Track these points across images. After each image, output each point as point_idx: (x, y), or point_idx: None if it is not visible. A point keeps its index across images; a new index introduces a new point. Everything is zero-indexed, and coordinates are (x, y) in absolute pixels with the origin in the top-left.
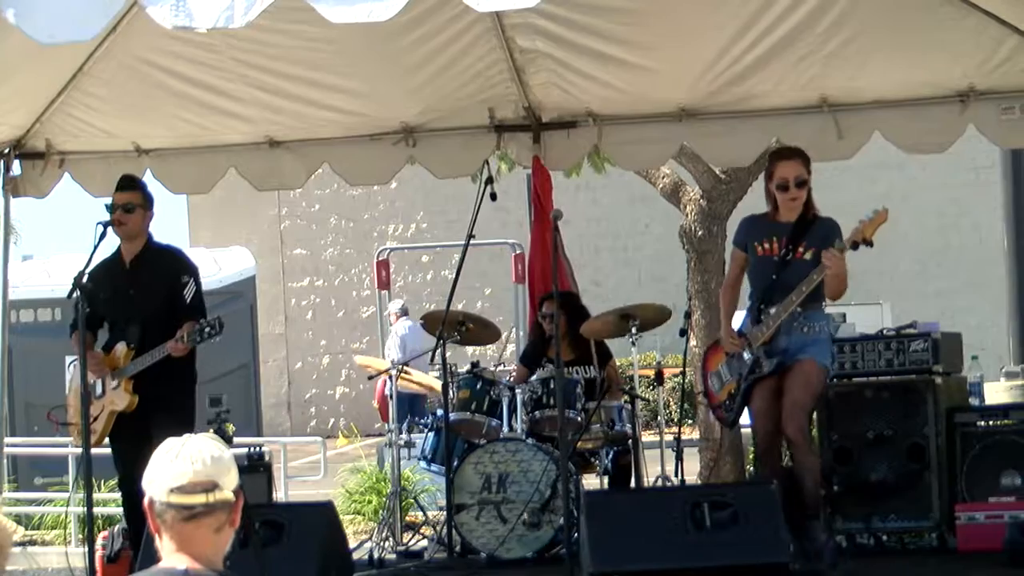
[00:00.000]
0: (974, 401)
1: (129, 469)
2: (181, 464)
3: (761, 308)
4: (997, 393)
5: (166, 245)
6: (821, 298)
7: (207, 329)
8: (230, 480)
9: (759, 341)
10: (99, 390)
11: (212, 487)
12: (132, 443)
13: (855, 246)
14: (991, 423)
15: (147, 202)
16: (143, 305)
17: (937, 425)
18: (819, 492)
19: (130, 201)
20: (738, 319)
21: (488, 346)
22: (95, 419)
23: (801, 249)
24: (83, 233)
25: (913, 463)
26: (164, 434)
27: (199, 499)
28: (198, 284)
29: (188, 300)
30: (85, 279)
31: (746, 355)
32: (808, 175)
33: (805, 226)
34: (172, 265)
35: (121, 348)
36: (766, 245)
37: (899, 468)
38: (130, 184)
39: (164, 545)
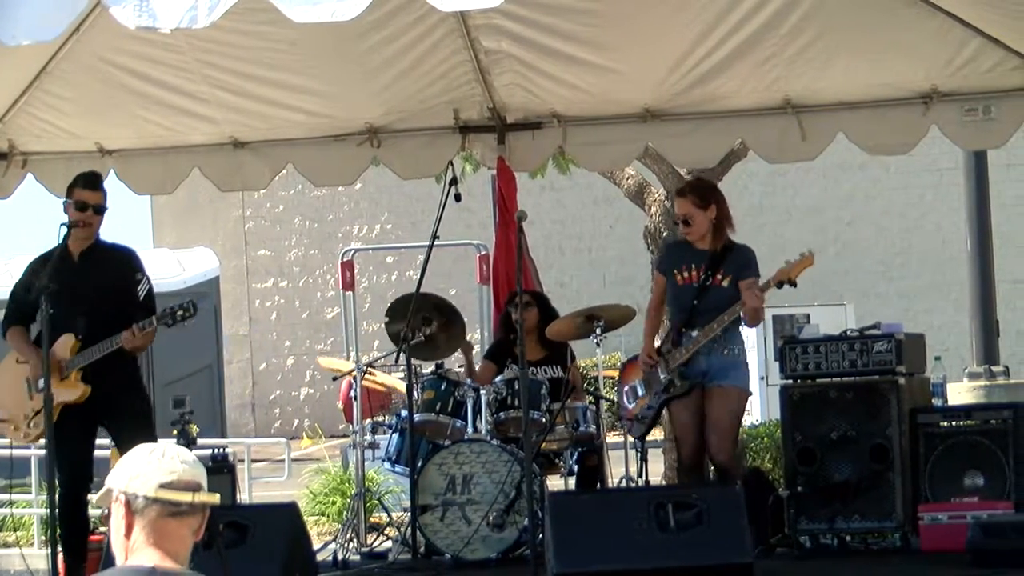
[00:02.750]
0: (937, 402)
1: (72, 466)
2: (170, 462)
3: (682, 331)
4: (960, 394)
5: (116, 243)
6: (739, 321)
7: (180, 311)
8: (207, 487)
9: (677, 362)
10: (40, 384)
11: (198, 487)
12: (77, 437)
13: (779, 285)
14: (954, 424)
15: (105, 200)
16: (93, 299)
17: (900, 426)
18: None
19: (100, 203)
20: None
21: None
22: (37, 413)
23: (719, 276)
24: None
25: (876, 464)
26: (126, 431)
27: (186, 497)
28: (150, 284)
29: (141, 298)
30: (45, 279)
31: (661, 375)
32: (701, 210)
33: (723, 254)
34: (126, 263)
35: (67, 340)
36: (685, 273)
37: (862, 469)
38: (99, 183)
39: (135, 540)
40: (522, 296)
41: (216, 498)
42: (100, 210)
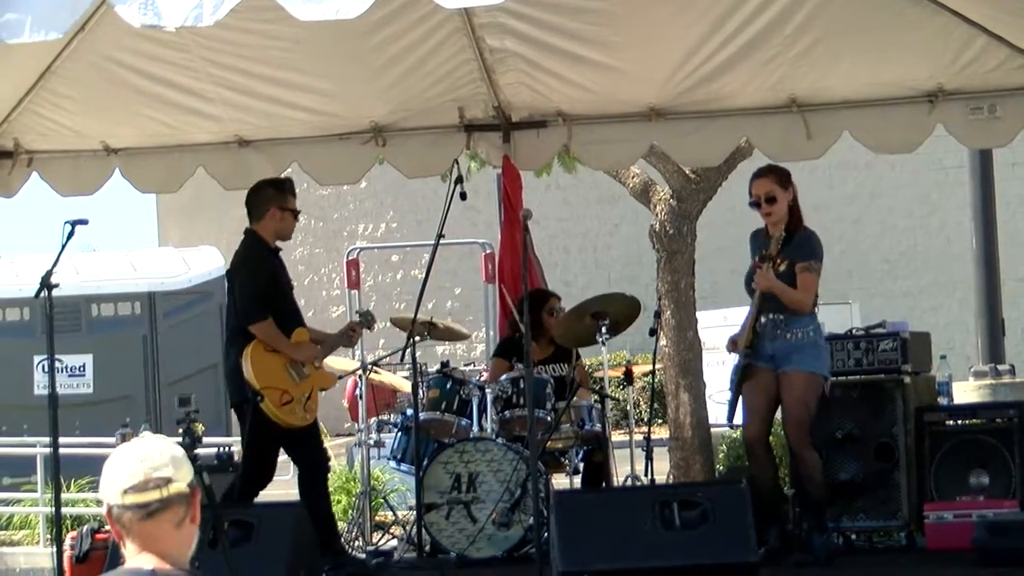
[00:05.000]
0: (943, 400)
1: (317, 449)
2: (131, 465)
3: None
4: (965, 392)
5: None
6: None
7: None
8: (183, 474)
9: (741, 344)
10: (303, 370)
11: (165, 482)
12: (316, 425)
13: (762, 261)
14: (960, 422)
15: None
16: (294, 296)
17: (906, 425)
18: (823, 489)
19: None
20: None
21: (458, 345)
22: (309, 397)
23: (780, 259)
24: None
25: (882, 462)
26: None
27: (153, 495)
28: None
29: None
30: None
31: (736, 357)
32: (782, 190)
33: (790, 238)
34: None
35: (304, 332)
36: (756, 258)
37: (868, 467)
38: (294, 190)
39: (128, 550)
40: (527, 298)
41: (183, 487)
42: (297, 215)
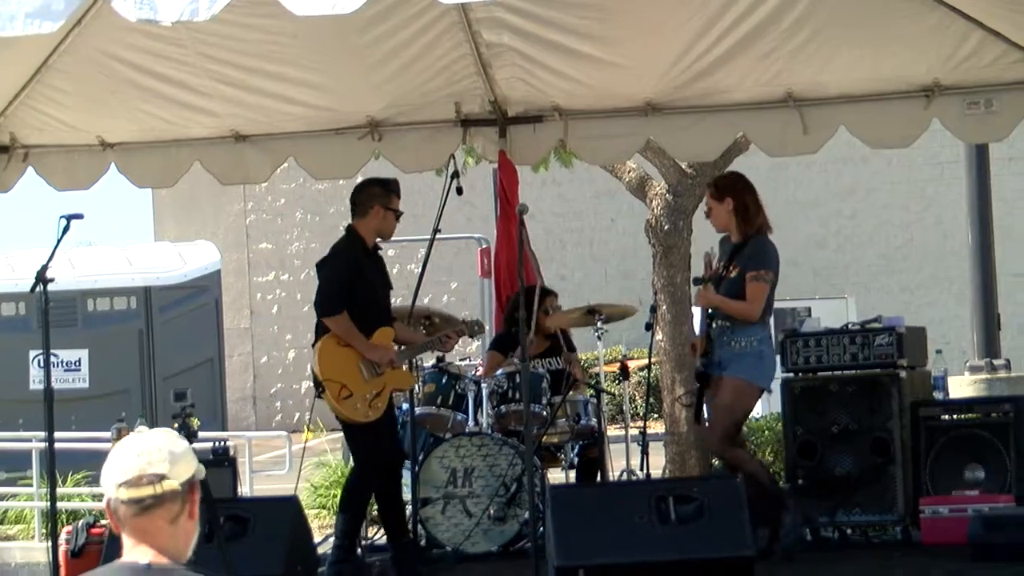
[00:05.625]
0: (938, 395)
1: (386, 447)
2: (129, 459)
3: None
4: (961, 387)
5: None
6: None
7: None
8: (179, 471)
9: (699, 350)
10: (378, 368)
11: (159, 479)
12: (393, 418)
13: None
14: (955, 417)
15: None
16: (387, 296)
17: (901, 419)
18: (773, 484)
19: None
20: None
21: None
22: (378, 395)
23: (732, 267)
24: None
25: (877, 457)
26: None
27: (147, 491)
28: None
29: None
30: (48, 273)
31: (696, 363)
32: (717, 202)
33: (742, 246)
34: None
35: (390, 332)
36: (719, 264)
37: (863, 462)
38: (399, 192)
39: (126, 542)
40: (523, 293)
41: (177, 484)
42: (399, 216)
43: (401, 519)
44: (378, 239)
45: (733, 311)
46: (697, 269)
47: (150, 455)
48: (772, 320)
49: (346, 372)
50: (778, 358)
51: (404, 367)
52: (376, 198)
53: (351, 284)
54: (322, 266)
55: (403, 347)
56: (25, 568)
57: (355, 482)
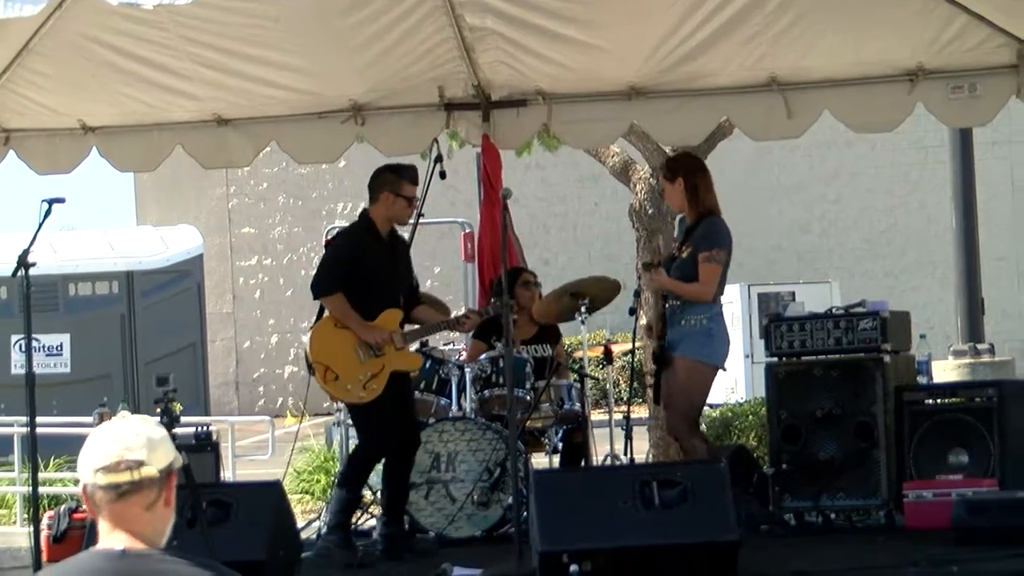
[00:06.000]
0: (922, 379)
1: (390, 428)
2: (107, 445)
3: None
4: (945, 371)
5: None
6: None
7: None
8: (158, 458)
9: (655, 332)
10: (376, 350)
11: (137, 465)
12: (399, 402)
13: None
14: (939, 401)
15: None
16: (403, 277)
17: (885, 403)
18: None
19: (415, 196)
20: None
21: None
22: (375, 376)
23: (684, 247)
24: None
25: (861, 441)
26: (409, 407)
27: (124, 477)
28: None
29: (414, 281)
30: (29, 257)
31: (653, 345)
32: (668, 183)
33: (694, 226)
34: (407, 247)
35: (396, 314)
36: (673, 244)
37: (847, 446)
38: (416, 179)
39: (102, 527)
40: (506, 278)
41: (154, 471)
42: (413, 202)
43: (400, 505)
44: (394, 224)
45: (686, 294)
46: None
47: (128, 441)
48: (755, 305)
49: (339, 354)
50: (762, 342)
51: (411, 348)
52: (387, 184)
53: (351, 266)
54: (326, 248)
55: (411, 329)
56: (7, 553)
57: (353, 460)
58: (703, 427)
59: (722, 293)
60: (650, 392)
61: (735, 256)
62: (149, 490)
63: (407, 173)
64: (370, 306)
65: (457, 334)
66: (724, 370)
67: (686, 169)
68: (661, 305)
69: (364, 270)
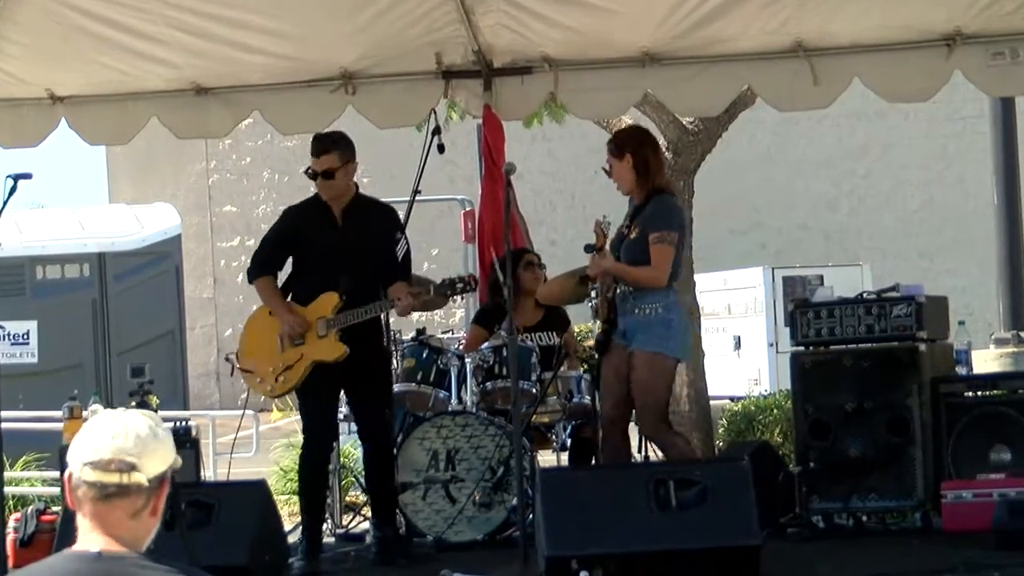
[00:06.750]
0: (961, 370)
1: (318, 426)
2: (101, 439)
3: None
4: (986, 361)
5: (377, 200)
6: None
7: (460, 284)
8: (152, 465)
9: (600, 317)
10: (301, 340)
11: (128, 468)
12: (324, 394)
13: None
14: (979, 394)
15: (344, 157)
16: (355, 258)
17: (921, 396)
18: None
19: (328, 168)
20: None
21: (435, 311)
22: (290, 367)
23: (632, 228)
24: None
25: (895, 437)
26: (369, 399)
27: (113, 478)
28: (408, 246)
29: (400, 259)
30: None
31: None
32: (616, 159)
33: (643, 205)
34: (386, 221)
35: (330, 298)
36: (622, 224)
37: (880, 443)
38: (322, 149)
39: (80, 524)
40: (509, 259)
41: (145, 480)
42: (328, 175)
43: (386, 504)
44: (330, 202)
45: (638, 278)
46: (701, 233)
47: (125, 440)
48: (780, 289)
49: (262, 343)
50: (787, 330)
51: (334, 335)
52: None
53: (284, 247)
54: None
55: (340, 314)
56: None
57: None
58: (723, 422)
59: (677, 278)
60: None
61: (756, 236)
62: (136, 497)
63: (312, 145)
64: (310, 289)
65: (457, 320)
66: (686, 361)
67: (635, 144)
68: (611, 288)
69: (301, 250)
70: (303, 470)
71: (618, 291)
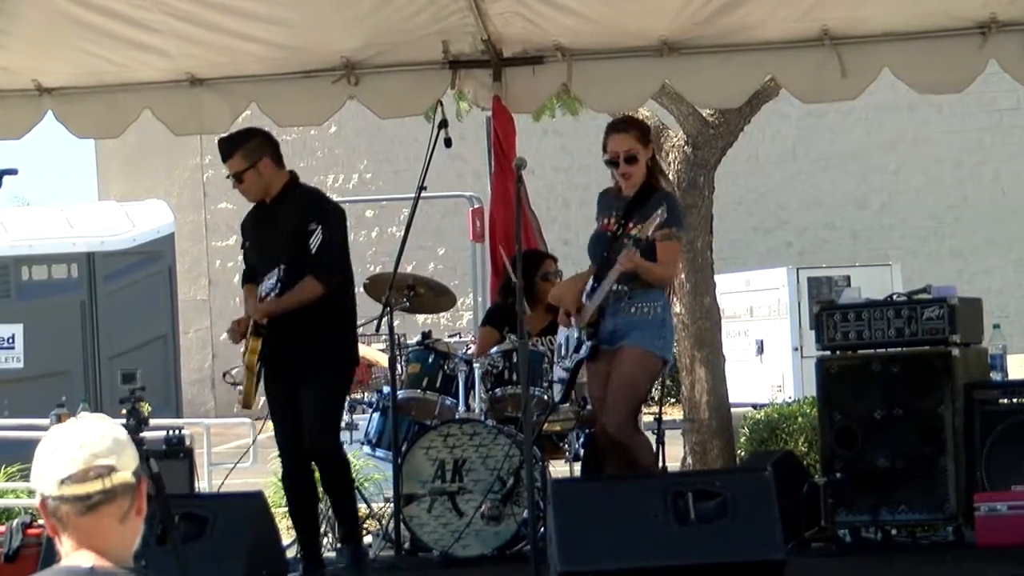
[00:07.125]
0: (996, 376)
1: (279, 437)
2: (69, 451)
3: (594, 286)
4: (1022, 367)
5: (307, 187)
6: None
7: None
8: (127, 460)
9: (584, 321)
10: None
11: (108, 470)
12: (276, 406)
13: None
14: (1015, 401)
15: (251, 157)
16: (281, 249)
17: (954, 404)
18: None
19: (236, 171)
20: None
21: (442, 314)
22: (246, 376)
23: (631, 225)
24: None
25: (926, 447)
26: (308, 395)
27: (95, 486)
28: (326, 236)
29: (313, 250)
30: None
31: (574, 333)
32: (643, 147)
33: (641, 200)
34: (303, 209)
35: (250, 289)
36: (605, 220)
37: (910, 453)
38: (227, 153)
39: (64, 546)
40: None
41: (128, 476)
42: (239, 178)
43: (343, 518)
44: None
45: (653, 275)
46: (721, 231)
47: (94, 445)
48: (805, 291)
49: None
50: (812, 334)
51: (251, 332)
52: None
53: (246, 252)
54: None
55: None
56: None
57: None
58: (745, 430)
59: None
60: (684, 391)
61: (780, 235)
62: (123, 498)
63: (219, 151)
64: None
65: (465, 323)
66: (668, 362)
67: (652, 137)
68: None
69: (250, 248)
70: (283, 485)
71: (614, 289)
